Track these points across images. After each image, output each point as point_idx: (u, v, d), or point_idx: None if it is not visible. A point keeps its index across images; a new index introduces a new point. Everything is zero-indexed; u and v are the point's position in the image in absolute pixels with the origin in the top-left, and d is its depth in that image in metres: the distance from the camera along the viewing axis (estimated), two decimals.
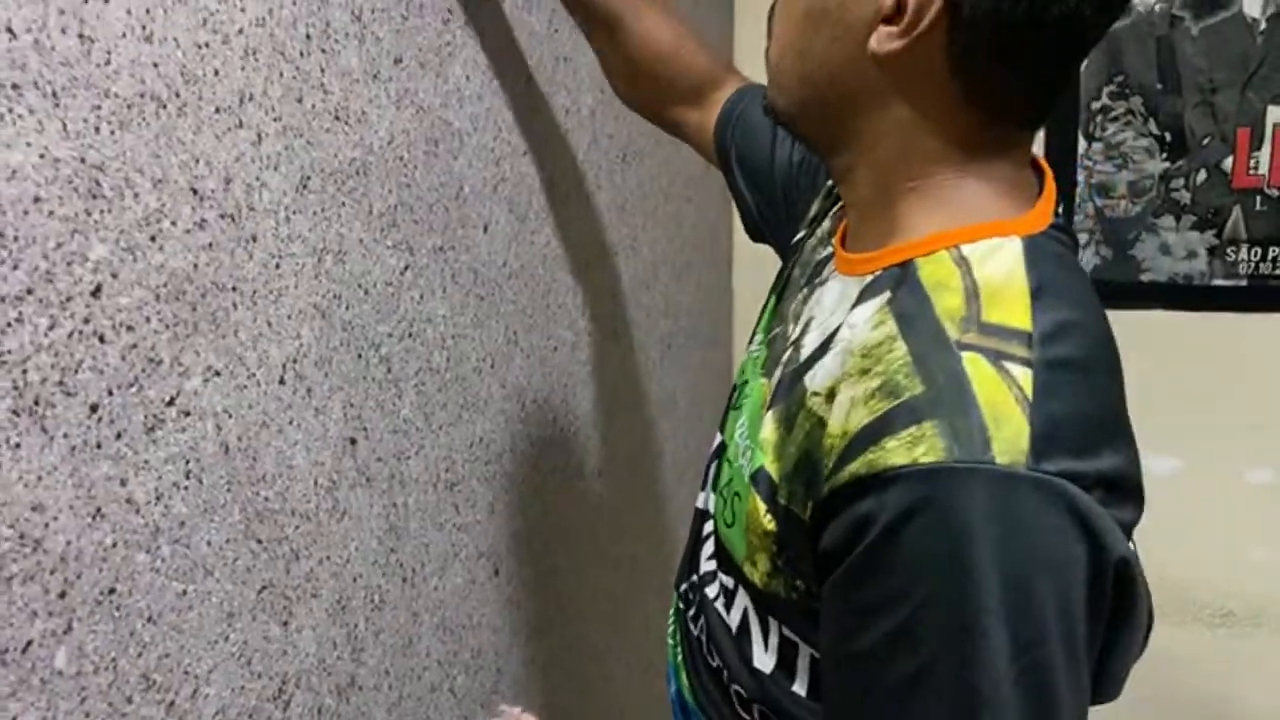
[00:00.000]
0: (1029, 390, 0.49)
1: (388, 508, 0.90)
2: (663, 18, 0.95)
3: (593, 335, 1.34)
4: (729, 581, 0.70)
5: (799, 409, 0.59)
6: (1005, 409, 0.49)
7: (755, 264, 1.90)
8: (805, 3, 0.60)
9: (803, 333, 0.64)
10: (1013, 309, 0.52)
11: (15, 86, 0.56)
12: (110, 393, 0.62)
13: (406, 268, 0.92)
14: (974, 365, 0.50)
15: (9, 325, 0.56)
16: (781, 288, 0.78)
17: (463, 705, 1.05)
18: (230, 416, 0.72)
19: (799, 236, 0.80)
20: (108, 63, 0.61)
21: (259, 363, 0.75)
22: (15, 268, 0.56)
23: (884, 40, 0.56)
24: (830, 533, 0.54)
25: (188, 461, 0.68)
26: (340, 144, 0.83)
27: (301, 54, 0.78)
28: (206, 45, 0.69)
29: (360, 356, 0.86)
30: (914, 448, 0.49)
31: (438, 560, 0.99)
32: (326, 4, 0.80)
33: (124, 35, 0.62)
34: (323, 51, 0.80)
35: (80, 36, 0.59)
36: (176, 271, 0.67)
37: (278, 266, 0.76)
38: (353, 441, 0.86)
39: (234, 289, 0.72)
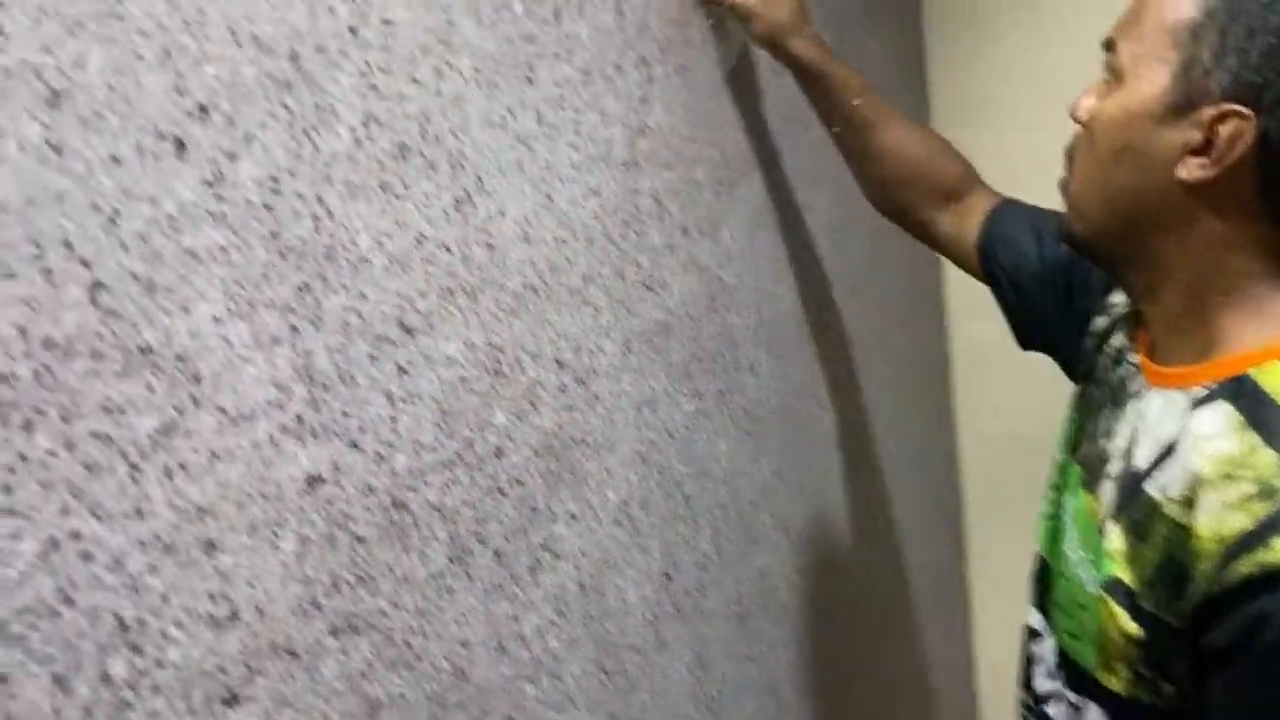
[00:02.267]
0: None
1: (695, 640, 0.96)
2: (912, 125, 1.03)
3: (840, 465, 1.39)
4: (1075, 698, 0.71)
5: (1149, 517, 0.62)
6: None
7: (972, 383, 1.90)
8: (1110, 139, 0.64)
9: (1130, 446, 0.67)
10: None
11: (450, 291, 0.69)
12: (507, 539, 0.72)
13: (698, 412, 1.01)
14: None
15: (448, 486, 0.67)
16: (1082, 407, 0.81)
17: None
18: (584, 556, 0.81)
19: (1086, 350, 0.82)
20: (505, 263, 0.74)
21: (602, 506, 0.84)
22: (450, 437, 0.68)
23: (1193, 170, 0.60)
24: (1218, 633, 0.57)
25: (557, 599, 0.77)
26: (650, 309, 0.94)
27: (622, 237, 0.90)
28: (564, 240, 0.81)
29: (670, 497, 0.95)
30: None
31: (733, 691, 1.03)
32: (637, 193, 0.93)
33: (513, 241, 0.75)
34: (636, 234, 0.92)
35: (488, 246, 0.73)
36: (548, 431, 0.78)
37: (613, 420, 0.86)
38: (668, 576, 0.93)
39: (584, 442, 0.82)
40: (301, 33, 0.59)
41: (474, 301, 0.71)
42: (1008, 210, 0.96)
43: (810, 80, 1.03)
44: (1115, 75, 0.64)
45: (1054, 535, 0.77)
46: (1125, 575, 0.64)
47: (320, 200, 0.59)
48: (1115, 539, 0.65)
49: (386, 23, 0.65)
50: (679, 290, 0.99)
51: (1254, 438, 0.58)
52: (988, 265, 0.95)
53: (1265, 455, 0.56)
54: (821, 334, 1.36)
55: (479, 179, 0.72)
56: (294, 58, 0.58)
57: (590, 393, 0.83)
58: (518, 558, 0.73)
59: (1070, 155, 0.70)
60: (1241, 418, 0.59)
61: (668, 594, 0.93)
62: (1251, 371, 0.60)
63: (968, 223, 0.95)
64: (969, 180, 1.01)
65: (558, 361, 0.79)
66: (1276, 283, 0.62)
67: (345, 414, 0.60)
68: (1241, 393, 0.60)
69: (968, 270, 0.99)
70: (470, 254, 0.71)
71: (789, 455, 1.22)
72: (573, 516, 0.80)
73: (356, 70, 0.63)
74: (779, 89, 1.25)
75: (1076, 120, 0.68)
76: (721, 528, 1.04)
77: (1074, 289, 0.87)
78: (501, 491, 0.72)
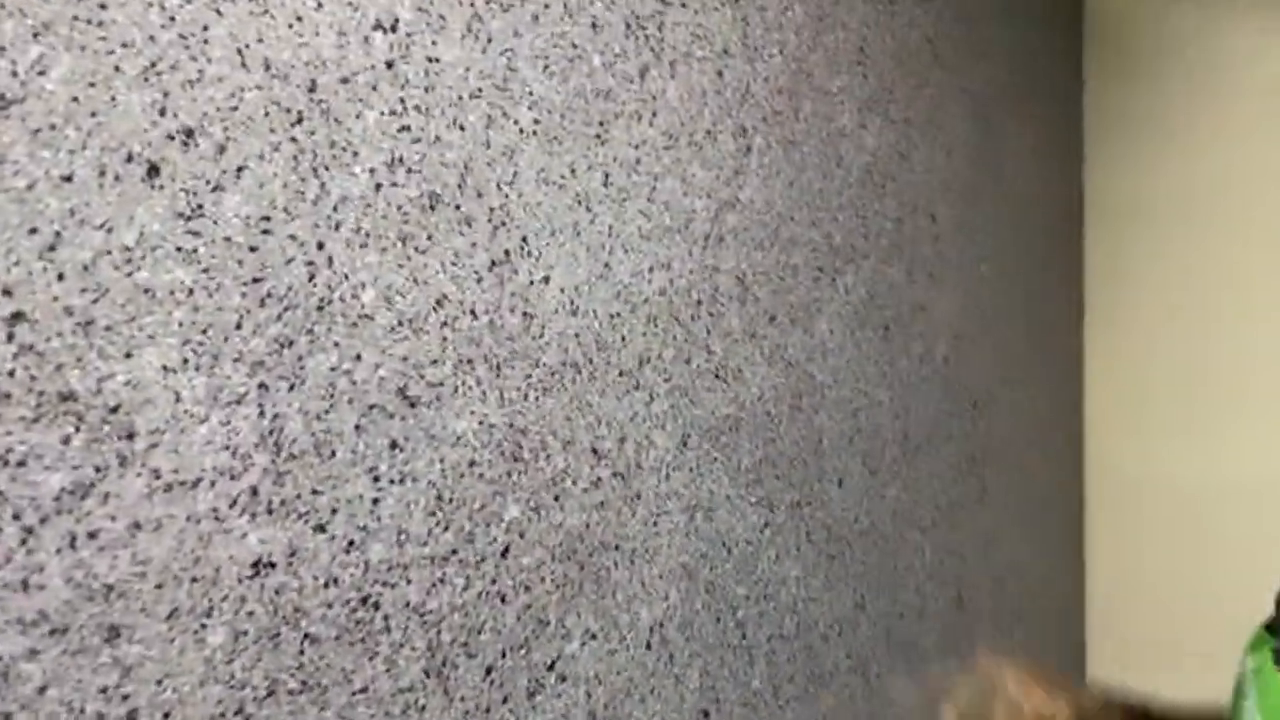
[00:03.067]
0: None
1: None
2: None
3: (939, 600, 1.21)
4: None
5: None
6: None
7: (1107, 523, 1.68)
8: None
9: None
10: None
11: (469, 361, 0.61)
12: (504, 654, 0.62)
13: (766, 525, 0.89)
14: None
15: (434, 585, 0.58)
16: None
17: None
18: (600, 683, 0.69)
19: None
20: (542, 335, 0.66)
21: (630, 625, 0.72)
22: (446, 529, 0.59)
23: None
24: None
25: None
26: (718, 401, 0.83)
27: (693, 318, 0.80)
28: (618, 315, 0.72)
29: (719, 620, 0.82)
30: None
31: None
32: (717, 272, 0.83)
33: (556, 311, 0.67)
34: (710, 315, 0.82)
35: (525, 315, 0.64)
36: (572, 530, 0.67)
37: (655, 524, 0.75)
38: (705, 715, 0.80)
39: (617, 547, 0.71)
40: (325, 61, 0.53)
41: (498, 375, 0.62)
42: None
43: None
44: None
45: (1237, 695, 0.66)
46: None
47: (320, 246, 0.53)
48: None
49: (433, 60, 0.59)
50: (757, 384, 0.88)
51: None
52: None
53: None
54: (931, 450, 1.21)
55: (524, 240, 0.65)
56: (311, 88, 0.52)
57: (631, 490, 0.73)
58: (515, 677, 0.63)
59: None
60: None
61: None
62: None
63: None
64: None
65: (594, 451, 0.70)
66: None
67: (315, 491, 0.52)
68: None
69: None
70: (501, 321, 0.63)
71: (876, 586, 1.07)
72: (590, 635, 0.69)
73: (387, 108, 0.56)
74: (903, 172, 1.14)
75: None
76: (782, 663, 0.90)
77: None
78: (503, 598, 0.62)
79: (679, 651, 0.77)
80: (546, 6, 0.66)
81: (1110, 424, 1.75)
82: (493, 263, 0.62)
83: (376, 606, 0.55)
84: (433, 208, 0.59)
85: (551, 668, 0.65)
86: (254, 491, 0.49)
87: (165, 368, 0.45)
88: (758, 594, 0.87)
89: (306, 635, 0.51)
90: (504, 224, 0.63)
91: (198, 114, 0.47)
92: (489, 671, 0.61)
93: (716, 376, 0.83)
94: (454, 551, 0.59)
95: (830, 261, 0.99)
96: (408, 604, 0.56)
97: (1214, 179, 1.71)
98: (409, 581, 0.57)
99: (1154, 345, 1.77)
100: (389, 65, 0.56)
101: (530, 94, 0.66)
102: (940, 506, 1.23)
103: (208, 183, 0.47)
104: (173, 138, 0.46)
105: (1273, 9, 1.66)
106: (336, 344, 0.53)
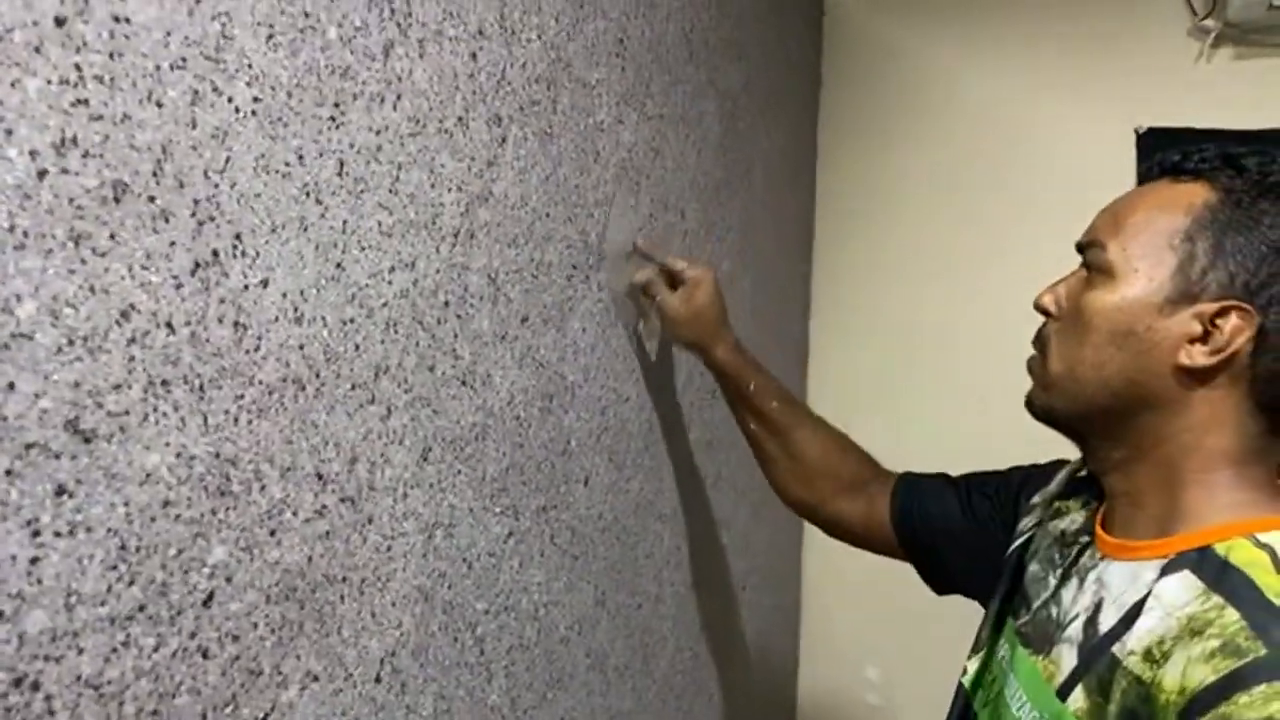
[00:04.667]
0: None
1: None
2: (822, 425, 1.10)
3: (675, 585, 1.25)
4: None
5: (1114, 675, 0.64)
6: None
7: None
8: (1108, 325, 0.69)
9: (1095, 612, 0.69)
10: None
11: (164, 383, 0.51)
12: (204, 716, 0.54)
13: (510, 534, 0.86)
14: None
15: (114, 651, 0.49)
16: (1011, 583, 0.82)
17: None
18: None
19: (1014, 547, 0.86)
20: (258, 348, 0.57)
21: (358, 660, 0.66)
22: (131, 583, 0.50)
23: (1196, 357, 0.65)
24: None
25: None
26: (464, 409, 0.78)
27: (439, 321, 0.74)
28: (352, 321, 0.65)
29: (456, 640, 0.78)
30: (1268, 704, 0.54)
31: None
32: (467, 270, 0.78)
33: (276, 319, 0.59)
34: (458, 317, 0.77)
35: (235, 325, 0.56)
36: (291, 567, 0.60)
37: (389, 549, 0.69)
38: None
39: (343, 579, 0.65)
40: None
41: (201, 397, 0.53)
42: (910, 483, 1.01)
43: (730, 385, 1.09)
44: (1104, 270, 0.70)
45: (989, 691, 0.80)
46: None
47: None
48: (1079, 699, 0.66)
49: (120, 20, 0.48)
50: (506, 388, 0.84)
51: (1218, 599, 0.60)
52: (905, 534, 0.99)
53: (1230, 614, 0.59)
54: (674, 439, 1.24)
55: (237, 237, 0.56)
56: None
57: (361, 515, 0.66)
58: None
59: (1044, 340, 0.75)
60: (1204, 584, 0.62)
61: None
62: (1215, 545, 0.63)
63: (876, 506, 1.02)
64: (872, 468, 1.07)
65: (319, 476, 0.62)
66: (1243, 469, 0.66)
67: None
68: (1204, 561, 0.63)
69: (882, 550, 1.02)
70: (206, 334, 0.54)
71: (616, 581, 1.07)
72: (312, 677, 0.62)
73: (57, 76, 0.45)
74: (656, 169, 1.14)
75: (1044, 311, 0.75)
76: (521, 673, 0.88)
77: (996, 515, 0.91)
78: (205, 653, 0.54)
79: (411, 680, 0.72)
80: None
81: (826, 405, 1.90)
82: (196, 265, 0.53)
83: (35, 687, 0.45)
84: (118, 200, 0.49)
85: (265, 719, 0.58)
86: None
87: None
88: (498, 606, 0.84)
89: None
90: (212, 219, 0.54)
91: None
92: None
93: (463, 383, 0.78)
94: (141, 608, 0.50)
95: (584, 259, 0.96)
96: (78, 678, 0.47)
97: (936, 175, 1.87)
98: (80, 651, 0.47)
99: (869, 333, 1.93)
100: (59, 22, 0.45)
101: (250, 67, 0.56)
102: (680, 495, 1.26)
103: None
104: None
105: (972, 40, 1.84)
106: None
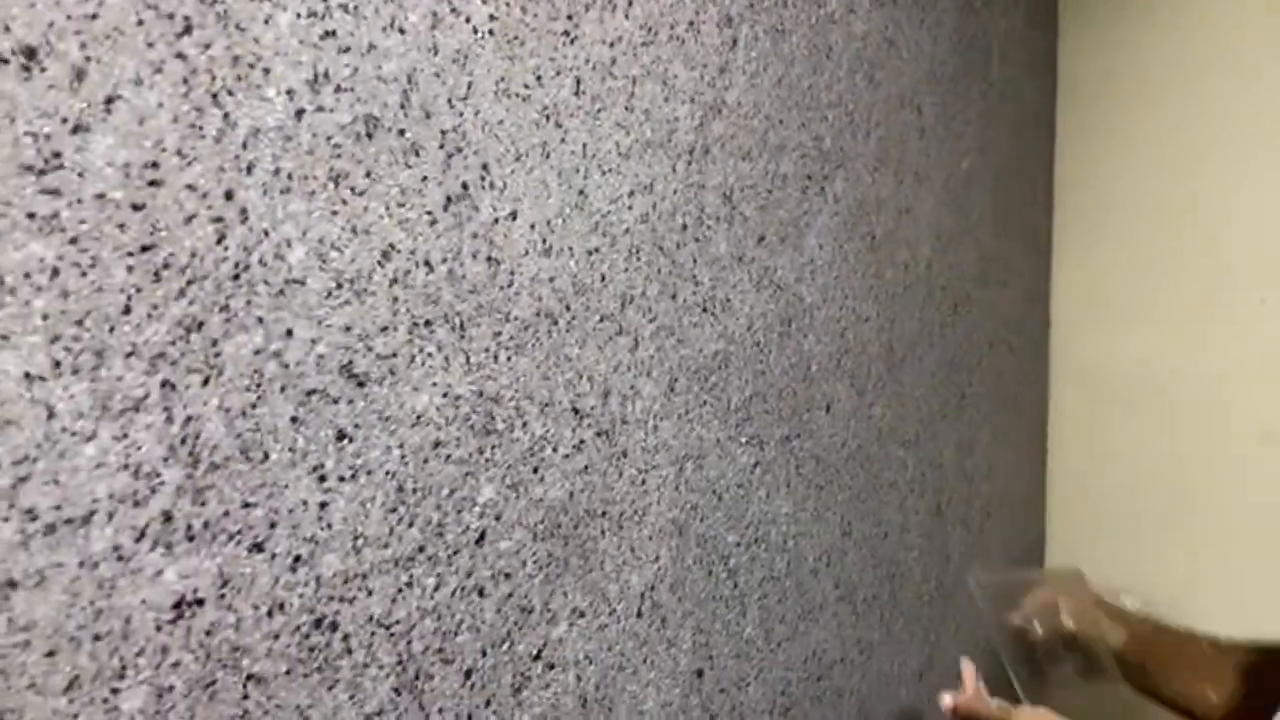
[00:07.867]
0: None
1: None
2: (1201, 663, 0.92)
3: (919, 514, 1.18)
4: None
5: None
6: None
7: (1070, 413, 1.66)
8: None
9: None
10: None
11: (427, 323, 0.50)
12: (484, 653, 0.54)
13: (756, 464, 0.82)
14: None
15: (399, 591, 0.49)
16: None
17: None
18: (590, 663, 0.62)
19: None
20: (511, 283, 0.55)
21: (620, 595, 0.65)
22: (410, 525, 0.50)
23: None
24: None
25: None
26: (706, 337, 0.74)
27: (678, 245, 0.70)
28: (597, 251, 0.62)
29: (711, 573, 0.76)
30: None
31: None
32: (703, 189, 0.73)
33: (526, 252, 0.56)
34: (696, 240, 0.72)
35: (489, 260, 0.54)
36: (554, 503, 0.59)
37: (644, 482, 0.67)
38: (699, 674, 0.74)
39: (603, 514, 0.63)
40: None
41: (461, 336, 0.52)
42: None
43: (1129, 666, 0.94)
44: None
45: None
46: None
47: (229, 196, 0.41)
48: None
49: None
50: (745, 313, 0.79)
51: None
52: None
53: None
54: (915, 361, 1.15)
55: (484, 168, 0.53)
56: None
57: (616, 449, 0.64)
58: (498, 675, 0.55)
59: None
60: None
61: (699, 695, 0.74)
62: None
63: (1226, 687, 0.85)
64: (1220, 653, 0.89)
65: (575, 410, 0.60)
66: None
67: (247, 505, 0.42)
68: None
69: None
70: (463, 271, 0.52)
71: (861, 510, 1.02)
72: (579, 613, 0.61)
73: (305, 8, 0.44)
74: (891, 60, 1.03)
75: None
76: (773, 605, 0.85)
77: None
78: (481, 591, 0.54)
79: (671, 614, 0.71)
80: None
81: (1076, 315, 1.71)
82: (448, 200, 0.51)
83: (334, 628, 0.46)
84: (370, 135, 0.47)
85: (538, 657, 0.58)
86: (167, 517, 0.39)
87: (29, 375, 0.34)
88: (749, 538, 0.80)
89: (250, 677, 0.42)
90: (459, 150, 0.52)
91: (40, 27, 0.34)
92: (468, 675, 0.53)
93: (704, 310, 0.74)
94: (421, 549, 0.50)
95: (819, 168, 0.88)
96: (370, 618, 0.48)
97: (1188, 62, 1.62)
98: (370, 593, 0.48)
99: (1122, 233, 1.71)
100: None
101: None
102: (922, 419, 1.18)
103: (64, 121, 0.35)
104: (6, 61, 0.33)
105: None
106: (260, 320, 0.42)
